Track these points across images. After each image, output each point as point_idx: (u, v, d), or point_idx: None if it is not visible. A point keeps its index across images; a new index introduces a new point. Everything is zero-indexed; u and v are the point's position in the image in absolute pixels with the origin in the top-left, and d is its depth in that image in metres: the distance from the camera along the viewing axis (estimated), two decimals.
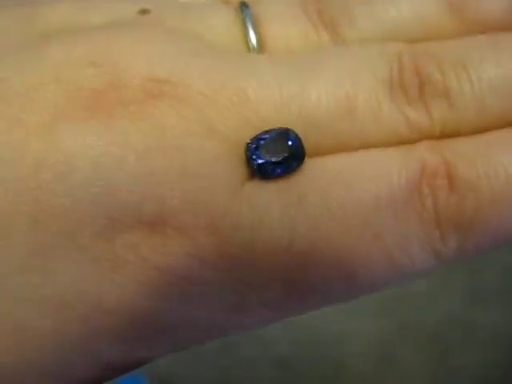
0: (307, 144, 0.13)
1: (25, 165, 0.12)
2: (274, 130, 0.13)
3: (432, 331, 0.38)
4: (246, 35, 0.15)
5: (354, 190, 0.13)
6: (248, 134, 0.13)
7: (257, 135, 0.13)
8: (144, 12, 0.15)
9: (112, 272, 0.13)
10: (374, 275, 0.13)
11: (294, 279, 0.13)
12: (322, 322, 0.38)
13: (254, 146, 0.13)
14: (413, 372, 0.38)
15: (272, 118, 0.13)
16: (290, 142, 0.13)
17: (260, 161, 0.13)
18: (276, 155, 0.13)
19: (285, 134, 0.13)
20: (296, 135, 0.13)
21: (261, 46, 0.15)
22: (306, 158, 0.13)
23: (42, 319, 0.13)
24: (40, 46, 0.14)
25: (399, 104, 0.14)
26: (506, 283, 0.39)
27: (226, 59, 0.14)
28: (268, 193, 0.13)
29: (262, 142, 0.13)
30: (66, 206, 0.12)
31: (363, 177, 0.13)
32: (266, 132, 0.13)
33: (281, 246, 0.13)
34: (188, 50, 0.14)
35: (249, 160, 0.13)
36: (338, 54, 0.14)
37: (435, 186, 0.13)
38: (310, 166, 0.13)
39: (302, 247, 0.13)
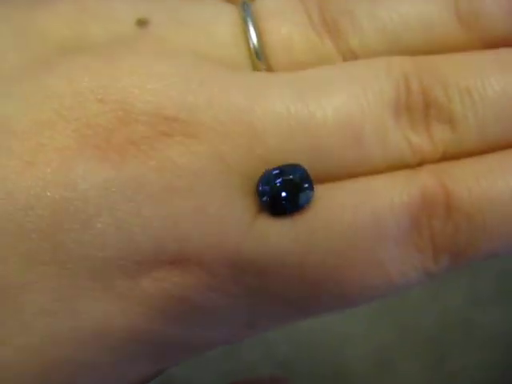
0: (315, 172, 0.13)
1: (43, 213, 0.12)
2: (284, 166, 0.13)
3: (431, 333, 0.38)
4: (248, 41, 0.14)
5: (360, 222, 0.13)
6: (258, 167, 0.13)
7: (266, 172, 0.13)
8: (142, 22, 0.14)
9: (138, 305, 0.13)
10: (374, 293, 0.14)
11: (305, 301, 0.14)
12: (322, 326, 0.38)
13: (263, 182, 0.13)
14: (411, 374, 0.38)
15: (281, 149, 0.13)
16: (299, 178, 0.13)
17: (269, 198, 0.13)
18: (285, 192, 0.13)
19: (294, 169, 0.13)
20: (305, 171, 0.13)
21: (263, 55, 0.14)
22: (314, 189, 0.13)
23: (72, 355, 0.13)
24: (43, 75, 0.13)
25: (403, 129, 0.14)
26: (505, 284, 0.39)
27: (234, 86, 0.13)
28: (279, 228, 0.13)
29: (271, 178, 0.13)
30: (91, 254, 0.13)
31: (368, 207, 0.13)
32: (275, 168, 0.13)
33: (292, 276, 0.13)
34: (195, 79, 0.13)
35: (260, 197, 0.13)
36: (344, 73, 0.14)
37: (433, 217, 0.13)
38: (318, 199, 0.13)
39: (312, 277, 0.13)
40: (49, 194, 0.12)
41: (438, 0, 0.15)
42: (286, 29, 0.15)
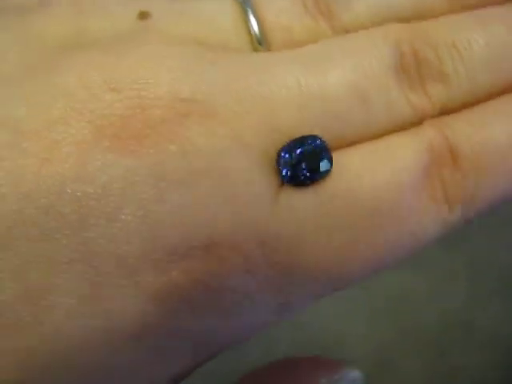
0: (331, 139, 0.14)
1: (66, 211, 0.12)
2: (302, 137, 0.13)
3: (431, 333, 0.38)
4: (249, 27, 0.15)
5: (379, 183, 0.14)
6: (276, 141, 0.13)
7: (285, 145, 0.13)
8: (144, 16, 0.14)
9: (172, 301, 0.13)
10: (401, 251, 0.14)
11: (337, 269, 0.14)
12: (322, 325, 0.38)
13: (283, 155, 0.13)
14: (411, 373, 0.38)
15: (296, 119, 0.13)
16: (318, 149, 0.13)
17: (290, 171, 0.13)
18: (306, 163, 0.13)
19: (312, 140, 0.13)
20: (322, 141, 0.13)
21: (264, 38, 0.15)
22: (332, 156, 0.14)
23: (106, 360, 0.13)
24: (49, 72, 0.13)
25: (404, 89, 0.14)
26: (505, 285, 0.39)
27: (243, 66, 0.14)
28: (303, 199, 0.13)
29: (290, 151, 0.13)
30: (119, 249, 0.12)
31: (385, 168, 0.14)
32: (293, 141, 0.13)
33: (322, 245, 0.13)
34: (206, 63, 0.14)
35: (280, 170, 0.13)
36: (343, 44, 0.15)
37: (442, 167, 0.14)
38: (336, 165, 0.14)
39: (340, 242, 0.13)
40: (69, 190, 0.12)
41: None
42: (283, 14, 0.15)
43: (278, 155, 0.13)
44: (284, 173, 0.13)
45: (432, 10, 0.16)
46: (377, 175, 0.14)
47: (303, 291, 0.14)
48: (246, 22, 0.15)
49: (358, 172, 0.14)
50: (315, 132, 0.14)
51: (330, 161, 0.13)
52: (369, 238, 0.14)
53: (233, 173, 0.13)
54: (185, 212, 0.12)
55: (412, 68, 0.15)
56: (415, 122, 0.15)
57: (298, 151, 0.13)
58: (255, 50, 0.15)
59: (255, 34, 0.15)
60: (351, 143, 0.14)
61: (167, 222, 0.12)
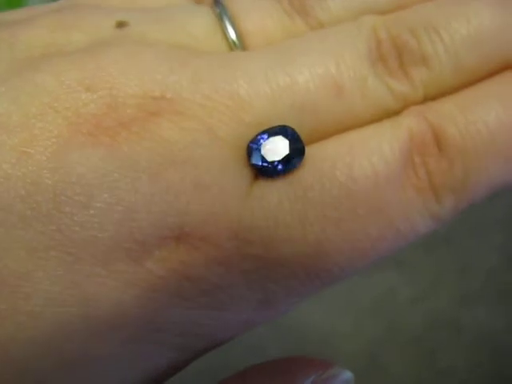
0: (303, 131, 0.13)
1: (43, 199, 0.12)
2: (272, 128, 0.13)
3: (418, 332, 0.39)
4: (225, 33, 0.15)
5: (354, 173, 0.13)
6: (248, 135, 0.13)
7: (255, 136, 0.13)
8: (122, 24, 0.15)
9: (147, 290, 0.13)
10: (383, 246, 0.14)
11: (314, 264, 0.13)
12: (310, 324, 0.38)
13: (254, 147, 0.13)
14: (399, 372, 0.38)
15: (268, 113, 0.13)
16: (288, 139, 0.13)
17: (262, 162, 0.13)
18: (277, 154, 0.13)
19: (283, 131, 0.13)
20: (294, 131, 0.13)
21: (241, 41, 0.15)
22: (306, 149, 0.13)
23: (84, 348, 0.13)
24: (28, 73, 0.14)
25: (382, 76, 0.14)
26: (491, 285, 0.39)
27: (213, 64, 0.14)
28: (276, 191, 0.13)
29: (261, 143, 0.13)
30: (93, 236, 0.12)
31: (359, 157, 0.13)
32: (264, 132, 0.13)
33: (297, 238, 0.13)
34: (176, 61, 0.14)
35: (251, 162, 0.13)
36: (317, 37, 0.15)
37: (425, 154, 0.14)
38: (310, 157, 0.13)
39: (315, 234, 0.13)
40: (46, 180, 0.12)
41: None
42: (259, 17, 0.15)
43: (248, 147, 0.13)
44: (255, 165, 0.13)
45: (408, 2, 0.16)
46: (352, 165, 0.13)
47: (282, 287, 0.14)
48: (222, 26, 0.15)
49: (331, 163, 0.13)
50: (287, 124, 0.13)
51: (302, 151, 0.13)
52: (346, 231, 0.13)
53: (203, 164, 0.13)
54: (156, 201, 0.13)
55: (390, 54, 0.14)
56: (398, 109, 0.14)
57: (269, 143, 0.13)
58: (232, 51, 0.15)
59: (231, 39, 0.15)
60: (327, 135, 0.14)
61: (139, 211, 0.13)
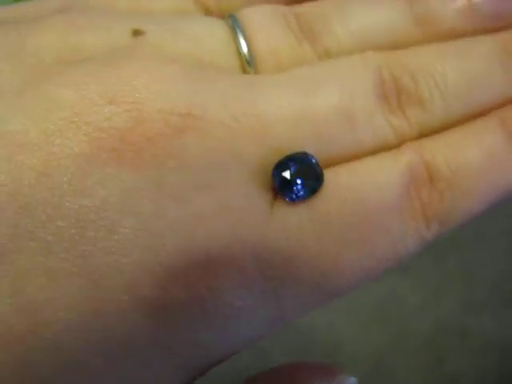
0: (320, 156, 0.14)
1: (64, 224, 0.12)
2: (295, 154, 0.14)
3: (426, 338, 0.39)
4: (239, 49, 0.15)
5: (366, 202, 0.14)
6: (270, 158, 0.14)
7: (280, 161, 0.14)
8: (137, 33, 0.15)
9: (170, 315, 0.13)
10: (385, 265, 0.15)
11: (328, 281, 0.14)
12: (317, 328, 0.38)
13: (278, 172, 0.14)
14: (406, 378, 0.38)
15: (289, 139, 0.14)
16: (310, 165, 0.14)
17: (285, 186, 0.14)
18: (300, 178, 0.14)
19: (305, 157, 0.14)
20: (314, 157, 0.14)
21: (252, 59, 0.15)
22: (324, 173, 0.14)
23: (103, 371, 0.13)
24: (46, 86, 0.13)
25: (386, 113, 0.15)
26: (500, 291, 0.39)
27: (239, 85, 0.14)
28: (297, 214, 0.14)
29: (285, 167, 0.14)
30: (116, 261, 0.12)
31: (371, 189, 0.14)
32: (288, 157, 0.14)
33: (315, 258, 0.14)
34: (201, 80, 0.14)
35: (276, 185, 0.14)
36: (328, 69, 0.15)
37: (420, 188, 0.15)
38: (327, 182, 0.14)
39: (332, 256, 0.14)
40: (67, 204, 0.12)
41: (397, 7, 0.17)
42: (270, 37, 0.16)
43: (273, 171, 0.14)
44: (279, 188, 0.14)
45: (407, 40, 0.17)
46: (364, 192, 0.14)
47: (296, 303, 0.15)
48: (236, 43, 0.15)
49: (347, 188, 0.14)
50: (306, 150, 0.14)
51: (322, 177, 0.14)
52: (358, 251, 0.14)
53: (228, 187, 0.13)
54: (181, 225, 0.12)
55: (392, 93, 0.15)
56: (396, 144, 0.15)
57: (293, 167, 0.14)
58: (244, 70, 0.15)
59: (244, 56, 0.15)
60: (336, 162, 0.15)
61: (165, 237, 0.12)
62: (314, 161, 0.14)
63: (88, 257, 0.12)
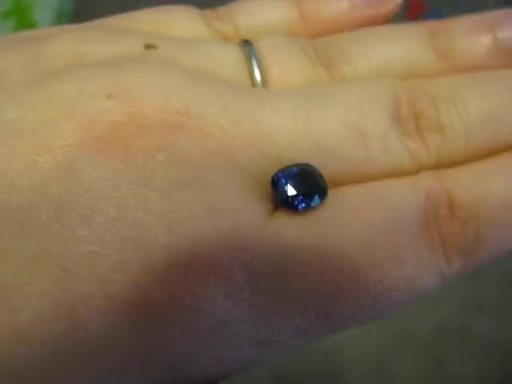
0: (325, 173, 0.13)
1: (44, 209, 0.12)
2: (297, 165, 0.13)
3: (428, 339, 0.39)
4: (251, 72, 0.15)
5: (375, 223, 0.13)
6: (268, 168, 0.13)
7: (281, 170, 0.13)
8: (151, 47, 0.15)
9: (145, 318, 0.12)
10: (395, 296, 0.14)
11: (327, 303, 0.13)
12: None
13: (278, 181, 0.13)
14: (408, 378, 0.38)
15: (289, 150, 0.13)
16: (312, 177, 0.13)
17: (285, 197, 0.13)
18: (301, 189, 0.13)
19: (307, 168, 0.13)
20: (317, 169, 0.13)
21: (264, 82, 0.15)
22: (328, 189, 0.13)
23: (73, 373, 0.12)
24: (50, 81, 0.13)
25: (401, 136, 0.14)
26: (502, 292, 0.39)
27: (241, 93, 0.14)
28: (296, 227, 0.13)
29: (287, 176, 0.13)
30: (94, 253, 0.12)
31: (381, 209, 0.13)
32: (289, 167, 0.13)
33: (312, 276, 0.13)
34: (203, 83, 0.14)
35: (276, 194, 0.13)
36: (341, 87, 0.15)
37: (440, 217, 0.14)
38: (331, 198, 0.13)
39: (332, 275, 0.13)
40: (51, 190, 0.12)
41: (420, 41, 0.17)
42: (285, 64, 0.15)
43: (273, 180, 0.13)
44: (278, 198, 0.13)
45: (429, 71, 0.16)
46: (372, 213, 0.13)
47: (288, 325, 0.13)
48: (249, 67, 0.15)
49: (352, 207, 0.13)
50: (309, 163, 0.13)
51: (325, 191, 0.13)
52: (363, 276, 0.13)
53: (218, 187, 0.13)
54: (165, 221, 0.12)
55: (409, 117, 0.15)
56: (413, 170, 0.14)
57: (296, 178, 0.13)
58: None
59: (256, 78, 0.15)
60: (344, 181, 0.14)
61: (146, 231, 0.12)
62: (316, 172, 0.13)
63: (64, 244, 0.12)
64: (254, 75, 0.15)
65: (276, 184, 0.13)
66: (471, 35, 0.17)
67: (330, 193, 0.13)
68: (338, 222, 0.13)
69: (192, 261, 0.12)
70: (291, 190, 0.13)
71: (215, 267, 0.12)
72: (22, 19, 0.40)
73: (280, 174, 0.13)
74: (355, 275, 0.13)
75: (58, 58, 0.14)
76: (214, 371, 0.14)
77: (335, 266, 0.13)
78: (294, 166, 0.13)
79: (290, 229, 0.13)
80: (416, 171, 0.14)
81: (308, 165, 0.13)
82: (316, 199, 0.13)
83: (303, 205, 0.13)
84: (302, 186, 0.13)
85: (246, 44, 0.16)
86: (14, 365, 0.12)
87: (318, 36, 0.17)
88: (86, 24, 0.16)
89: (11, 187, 0.12)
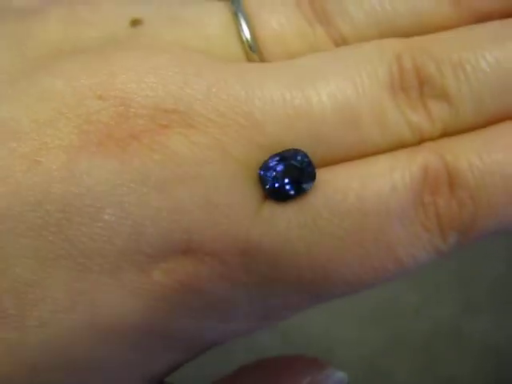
0: (316, 157, 0.13)
1: (52, 208, 0.12)
2: (284, 152, 0.13)
3: (422, 340, 0.38)
4: (240, 34, 0.15)
5: (365, 205, 0.13)
6: (259, 156, 0.13)
7: (267, 159, 0.13)
8: (136, 23, 0.15)
9: (152, 299, 0.13)
10: (385, 275, 0.14)
11: (317, 286, 0.14)
12: (315, 330, 0.38)
13: (265, 169, 0.13)
14: (402, 380, 0.38)
15: (281, 137, 0.13)
16: (300, 163, 0.13)
17: (272, 185, 0.13)
18: (288, 177, 0.13)
19: (294, 154, 0.13)
20: (306, 155, 0.13)
21: (256, 43, 0.15)
22: (317, 172, 0.13)
23: (90, 352, 0.13)
24: (39, 75, 0.13)
25: (401, 108, 0.14)
26: (496, 293, 0.39)
27: (230, 78, 0.14)
28: (285, 214, 0.13)
29: (273, 165, 0.13)
30: (100, 248, 0.13)
31: (371, 190, 0.13)
32: (276, 155, 0.13)
33: (302, 261, 0.13)
34: (191, 72, 0.14)
35: (262, 184, 0.13)
36: (336, 58, 0.14)
37: (437, 194, 0.13)
38: (321, 183, 0.13)
39: (322, 260, 0.13)
40: (55, 190, 0.13)
41: None
42: (276, 20, 0.15)
43: (261, 168, 0.13)
44: (266, 187, 0.13)
45: (437, 23, 0.15)
46: (363, 198, 0.13)
47: (282, 303, 0.14)
48: (238, 28, 0.15)
49: (343, 194, 0.13)
50: (300, 148, 0.13)
51: (314, 176, 0.13)
52: (350, 258, 0.13)
53: (213, 181, 0.13)
54: (164, 216, 0.13)
55: (412, 84, 0.14)
56: (414, 143, 0.14)
57: (281, 165, 0.13)
58: (248, 56, 0.15)
59: (247, 42, 0.15)
60: (339, 160, 0.14)
61: (148, 226, 0.13)
62: (305, 157, 0.13)
63: (73, 241, 0.12)
64: (244, 38, 0.15)
65: (261, 177, 0.13)
66: None
67: (321, 175, 0.13)
68: (327, 209, 0.13)
69: (189, 250, 0.13)
70: (276, 182, 0.13)
71: (211, 255, 0.13)
72: None
73: (266, 163, 0.13)
74: (344, 262, 0.13)
75: (45, 44, 0.14)
76: (219, 340, 0.15)
77: (324, 254, 0.13)
78: (280, 153, 0.13)
79: (280, 218, 0.13)
80: (418, 144, 0.14)
81: (295, 150, 0.13)
82: (304, 186, 0.13)
83: (291, 192, 0.13)
84: (287, 175, 0.13)
85: (234, 2, 0.15)
86: (39, 352, 0.13)
87: None
88: None
89: (18, 187, 0.12)
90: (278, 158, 0.13)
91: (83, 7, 0.15)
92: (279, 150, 0.13)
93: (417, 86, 0.14)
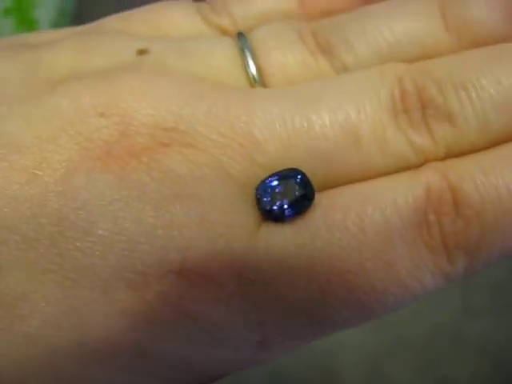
0: (316, 178, 0.13)
1: (47, 221, 0.12)
2: (282, 171, 0.13)
3: (423, 343, 0.39)
4: (246, 67, 0.15)
5: (365, 224, 0.13)
6: (259, 176, 0.13)
7: (264, 179, 0.13)
8: (143, 52, 0.15)
9: (144, 321, 0.13)
10: (390, 300, 0.13)
11: (317, 311, 0.13)
12: None
13: (263, 190, 0.13)
14: (402, 382, 0.38)
15: (281, 156, 0.13)
16: (298, 183, 0.13)
17: (269, 206, 0.13)
18: (286, 198, 0.13)
19: (293, 174, 0.13)
20: (304, 175, 0.13)
21: (261, 77, 0.15)
22: (316, 194, 0.13)
23: (74, 372, 0.13)
24: (46, 96, 0.14)
25: (404, 129, 0.14)
26: (496, 296, 0.39)
27: (230, 100, 0.14)
28: (283, 235, 0.13)
29: (269, 186, 0.13)
30: (93, 263, 0.12)
31: (372, 209, 0.13)
32: (274, 175, 0.13)
33: (301, 284, 0.13)
34: (192, 94, 0.14)
35: (260, 205, 0.13)
36: (338, 82, 0.14)
37: (441, 213, 0.13)
38: (320, 204, 0.13)
39: (320, 283, 0.13)
40: (51, 203, 0.13)
41: (425, 12, 0.15)
42: (282, 55, 0.15)
43: (258, 189, 0.13)
44: (263, 208, 0.13)
45: (438, 52, 0.15)
46: (364, 217, 0.13)
47: (281, 330, 0.14)
48: (243, 60, 0.15)
49: (343, 213, 0.13)
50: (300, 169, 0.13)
51: (312, 197, 0.13)
52: (352, 283, 0.13)
53: (210, 200, 0.13)
54: (159, 234, 0.13)
55: (414, 106, 0.14)
56: (417, 164, 0.14)
57: (279, 185, 0.13)
58: (251, 86, 0.15)
59: (252, 74, 0.15)
60: (341, 183, 0.13)
61: (142, 243, 0.13)
62: (302, 178, 0.13)
63: (65, 255, 0.12)
64: (250, 71, 0.15)
65: (258, 200, 0.13)
66: (486, 3, 0.15)
67: (320, 197, 0.13)
68: (326, 229, 0.13)
69: (184, 269, 0.13)
70: (273, 205, 0.13)
71: (206, 276, 0.13)
72: (23, 17, 0.40)
73: (262, 186, 0.13)
74: (344, 284, 0.13)
75: (55, 70, 0.15)
76: (214, 371, 0.14)
77: (323, 276, 0.13)
78: (277, 173, 0.13)
79: (278, 239, 0.13)
80: (421, 165, 0.14)
81: (293, 170, 0.13)
82: (302, 207, 0.13)
83: (288, 214, 0.13)
84: (285, 196, 0.13)
85: (240, 37, 0.15)
86: (23, 369, 0.12)
87: (317, 18, 0.16)
88: (83, 28, 0.17)
89: (14, 199, 0.12)
90: (277, 178, 0.13)
91: (92, 37, 0.16)
92: (279, 170, 0.13)
93: (419, 107, 0.14)
